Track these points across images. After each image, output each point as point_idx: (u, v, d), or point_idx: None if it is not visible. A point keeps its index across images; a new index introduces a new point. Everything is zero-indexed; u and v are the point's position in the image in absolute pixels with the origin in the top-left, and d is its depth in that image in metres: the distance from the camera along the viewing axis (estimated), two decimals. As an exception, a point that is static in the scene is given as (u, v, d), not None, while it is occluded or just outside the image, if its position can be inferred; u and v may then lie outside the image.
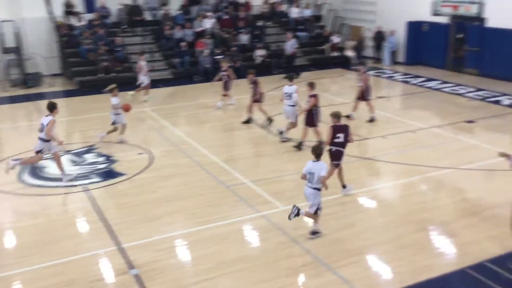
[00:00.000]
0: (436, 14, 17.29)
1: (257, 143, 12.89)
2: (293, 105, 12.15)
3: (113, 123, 12.62)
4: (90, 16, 21.24)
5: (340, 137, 9.05)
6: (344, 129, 9.11)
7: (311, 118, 11.48)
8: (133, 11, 22.09)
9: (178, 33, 21.47)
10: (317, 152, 7.64)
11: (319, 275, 6.97)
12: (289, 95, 12.11)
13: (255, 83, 13.63)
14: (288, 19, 24.43)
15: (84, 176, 10.67)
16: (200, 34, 21.82)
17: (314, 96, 11.38)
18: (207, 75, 20.26)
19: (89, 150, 12.35)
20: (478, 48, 19.39)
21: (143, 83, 17.07)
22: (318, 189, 7.68)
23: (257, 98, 13.66)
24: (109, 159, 11.72)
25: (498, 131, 13.08)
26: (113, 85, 12.59)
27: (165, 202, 9.38)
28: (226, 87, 16.18)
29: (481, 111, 14.94)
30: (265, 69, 20.37)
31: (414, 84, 18.79)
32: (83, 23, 20.74)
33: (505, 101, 15.87)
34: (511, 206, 7.58)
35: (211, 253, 7.55)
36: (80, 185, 10.23)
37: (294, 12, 24.40)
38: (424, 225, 8.31)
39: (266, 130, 13.30)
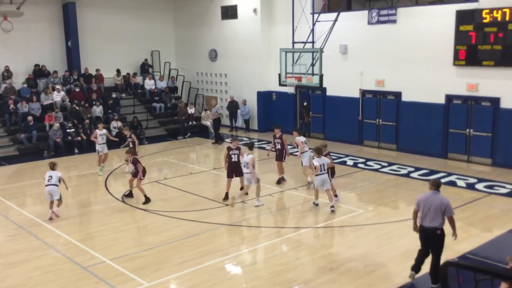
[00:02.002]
0: (282, 84, 18.71)
1: (116, 218, 12.28)
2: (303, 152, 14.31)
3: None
4: None
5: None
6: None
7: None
8: (-30, 85, 20.44)
9: (23, 107, 20.25)
10: (321, 153, 11.94)
11: None
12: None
13: (135, 163, 13.14)
14: (143, 90, 24.55)
15: None
16: (48, 108, 20.81)
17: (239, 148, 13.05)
18: (58, 150, 19.31)
19: None
20: (321, 114, 21.30)
21: (102, 151, 16.55)
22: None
23: (138, 175, 13.15)
24: None
25: (345, 189, 14.18)
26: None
27: (13, 293, 8.39)
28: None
29: (330, 171, 16.13)
30: (122, 141, 19.88)
31: (268, 149, 19.74)
32: None
33: (349, 161, 17.42)
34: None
35: None
36: None
37: (149, 84, 24.64)
38: (288, 285, 8.51)
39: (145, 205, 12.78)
